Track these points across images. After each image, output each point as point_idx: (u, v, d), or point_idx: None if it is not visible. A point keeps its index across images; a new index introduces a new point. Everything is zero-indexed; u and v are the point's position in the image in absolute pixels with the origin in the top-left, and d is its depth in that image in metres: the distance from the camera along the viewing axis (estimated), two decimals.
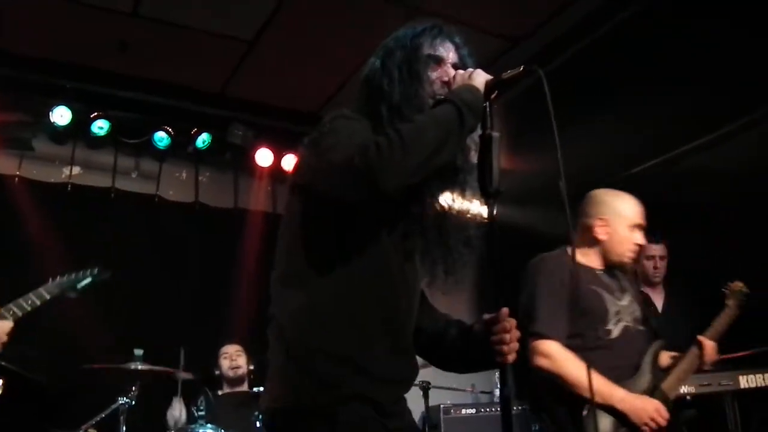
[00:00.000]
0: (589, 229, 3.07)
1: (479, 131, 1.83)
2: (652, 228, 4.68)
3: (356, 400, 1.73)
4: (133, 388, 3.98)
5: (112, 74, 5.34)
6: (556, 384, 2.77)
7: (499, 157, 1.78)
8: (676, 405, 2.97)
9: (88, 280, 3.76)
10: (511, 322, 1.80)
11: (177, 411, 4.35)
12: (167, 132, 5.62)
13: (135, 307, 5.04)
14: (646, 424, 2.73)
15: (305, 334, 1.77)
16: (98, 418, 3.90)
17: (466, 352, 1.95)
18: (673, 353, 3.20)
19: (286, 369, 1.77)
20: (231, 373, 4.77)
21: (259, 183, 6.21)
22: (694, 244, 5.13)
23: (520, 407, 5.55)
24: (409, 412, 1.95)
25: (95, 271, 3.85)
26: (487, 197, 1.79)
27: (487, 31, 5.02)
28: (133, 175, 5.79)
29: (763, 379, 3.77)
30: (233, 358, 4.84)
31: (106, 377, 4.08)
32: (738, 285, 3.37)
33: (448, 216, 1.98)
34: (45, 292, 3.40)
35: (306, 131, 6.40)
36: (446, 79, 1.94)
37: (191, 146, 5.80)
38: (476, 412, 5.70)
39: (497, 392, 6.36)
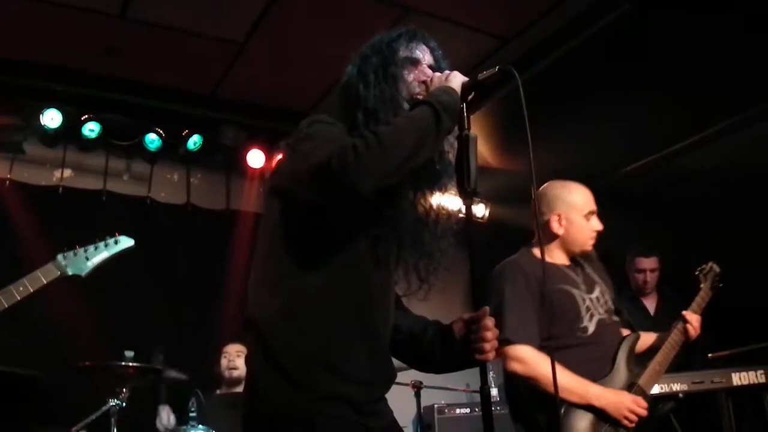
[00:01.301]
0: (547, 226, 3.09)
1: (456, 132, 1.85)
2: (640, 232, 4.71)
3: (333, 400, 1.74)
4: (124, 389, 3.95)
5: (103, 77, 5.33)
6: (532, 388, 2.77)
7: (476, 157, 1.80)
8: (655, 398, 3.01)
9: (103, 255, 3.40)
10: (491, 321, 1.83)
11: (165, 418, 4.34)
12: (158, 134, 5.62)
13: (126, 309, 5.03)
14: (625, 417, 2.75)
15: (281, 337, 1.77)
16: (88, 420, 3.87)
17: (445, 351, 1.96)
18: (652, 335, 3.23)
19: (263, 373, 1.78)
20: (227, 374, 4.77)
21: (250, 184, 6.21)
22: (682, 242, 5.15)
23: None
24: (390, 412, 1.96)
25: (114, 239, 3.47)
26: (464, 197, 1.82)
27: (478, 30, 5.02)
28: (125, 178, 5.79)
29: (756, 376, 3.79)
30: (231, 359, 4.83)
31: (96, 378, 4.04)
32: (710, 265, 3.45)
33: (425, 221, 1.99)
34: (42, 276, 3.16)
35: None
36: (423, 79, 1.96)
37: (182, 148, 5.79)
38: (470, 412, 5.70)
39: (493, 391, 6.36)
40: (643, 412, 2.78)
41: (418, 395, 5.36)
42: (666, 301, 5.05)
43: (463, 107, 1.85)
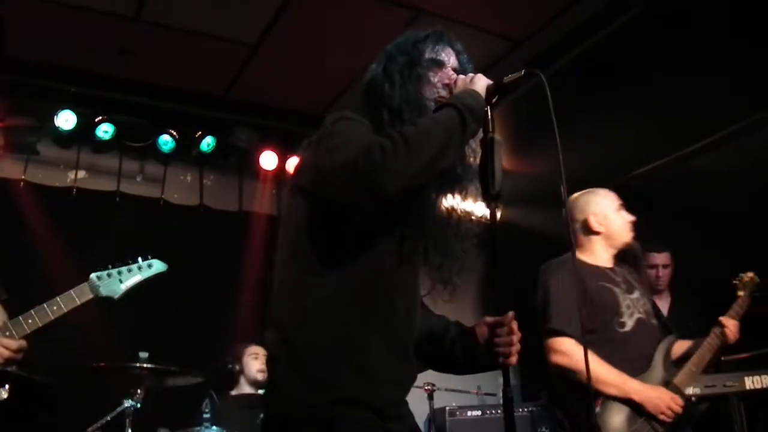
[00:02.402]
0: (586, 228, 3.23)
1: (480, 135, 1.86)
2: (654, 234, 4.69)
3: (355, 403, 1.73)
4: (139, 390, 3.97)
5: (116, 78, 5.37)
6: (573, 380, 2.86)
7: (500, 160, 1.80)
8: (689, 399, 3.03)
9: (137, 278, 3.33)
10: (516, 325, 1.86)
11: None
12: (172, 135, 5.63)
13: (140, 310, 5.02)
14: (662, 413, 2.82)
15: (304, 337, 1.77)
16: (103, 422, 3.88)
17: (467, 353, 1.97)
18: (688, 341, 3.25)
19: (284, 373, 1.77)
20: (260, 376, 4.74)
21: (263, 186, 6.21)
22: (697, 245, 5.12)
23: (526, 409, 5.55)
24: (412, 416, 1.96)
25: (148, 262, 3.38)
26: (488, 199, 1.82)
27: (490, 32, 5.03)
28: (138, 179, 5.80)
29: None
30: (263, 360, 4.79)
31: (110, 379, 4.06)
32: (749, 275, 3.44)
33: (450, 222, 2.00)
34: (76, 297, 3.07)
35: (311, 134, 6.38)
36: (448, 81, 1.96)
37: (195, 149, 5.81)
38: (482, 414, 5.68)
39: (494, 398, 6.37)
40: (680, 410, 2.85)
41: (431, 397, 5.35)
42: (679, 302, 5.01)
43: (487, 110, 1.86)
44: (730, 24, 4.32)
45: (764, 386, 3.71)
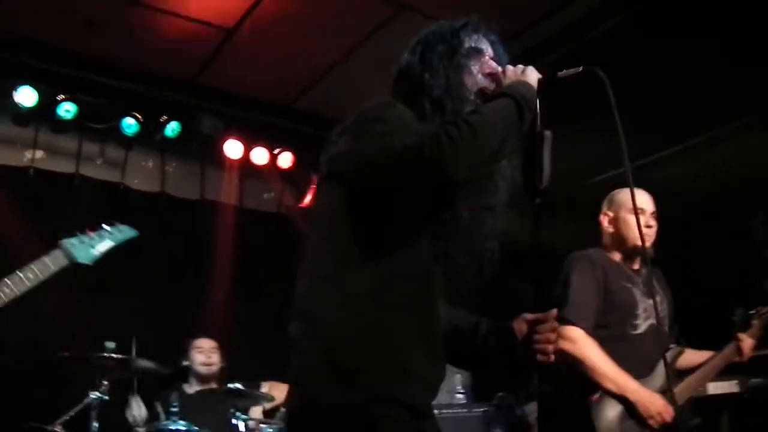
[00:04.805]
0: (600, 226, 3.24)
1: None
2: None
3: (392, 401, 1.66)
4: (105, 382, 3.82)
5: (81, 55, 5.13)
6: (575, 369, 2.89)
7: (549, 156, 1.80)
8: (682, 412, 3.06)
9: (108, 244, 3.25)
10: (556, 324, 1.84)
11: (135, 410, 4.21)
12: (136, 119, 5.42)
13: (99, 299, 4.84)
14: (652, 418, 2.83)
15: (338, 332, 1.68)
16: (68, 416, 3.71)
17: (503, 350, 1.92)
18: (699, 352, 3.30)
19: (314, 368, 1.68)
20: (204, 370, 4.64)
21: (226, 175, 6.06)
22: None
23: (479, 410, 5.59)
24: (434, 416, 1.92)
25: (117, 227, 3.34)
26: (534, 195, 1.80)
27: None
28: (98, 162, 5.57)
29: (731, 386, 3.91)
30: (208, 355, 4.70)
31: (76, 370, 3.91)
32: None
33: (475, 223, 1.94)
34: (50, 263, 2.98)
35: (278, 124, 6.29)
36: (489, 71, 1.93)
37: (159, 134, 5.61)
38: (438, 414, 5.68)
39: (458, 396, 6.40)
40: (669, 419, 2.86)
41: None
42: None
43: (537, 104, 1.82)
44: (691, 42, 4.44)
45: (726, 392, 3.88)
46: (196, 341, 4.77)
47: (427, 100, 1.85)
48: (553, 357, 1.81)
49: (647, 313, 3.04)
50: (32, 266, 2.90)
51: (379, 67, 6.16)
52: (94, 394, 3.75)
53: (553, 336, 1.81)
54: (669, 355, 3.10)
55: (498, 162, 1.75)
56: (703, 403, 3.84)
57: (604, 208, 3.26)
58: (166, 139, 5.65)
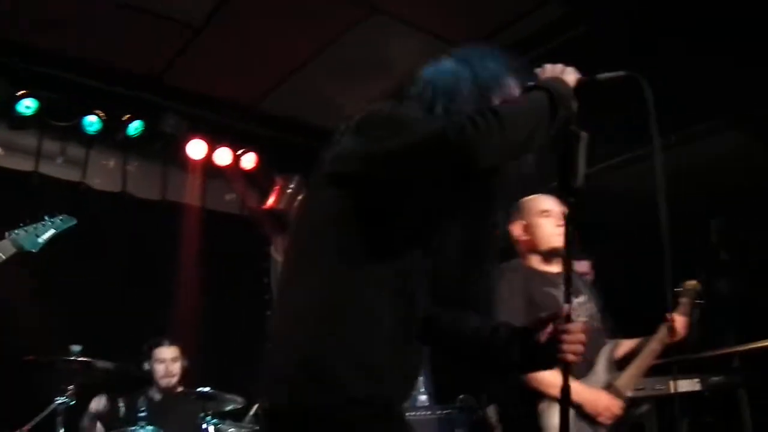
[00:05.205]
0: (513, 236, 3.21)
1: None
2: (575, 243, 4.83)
3: (367, 403, 1.65)
4: (71, 386, 3.73)
5: (43, 51, 4.99)
6: (515, 381, 2.89)
7: (584, 156, 1.81)
8: (629, 401, 3.11)
9: (51, 232, 3.55)
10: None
11: (95, 404, 4.14)
12: (98, 116, 5.30)
13: (62, 301, 4.72)
14: (601, 414, 2.87)
15: (319, 333, 1.68)
16: (34, 423, 3.61)
17: (527, 353, 1.92)
18: (632, 340, 3.36)
19: (297, 368, 1.67)
20: (164, 382, 4.52)
21: (189, 176, 5.97)
22: (607, 260, 5.36)
23: (443, 412, 5.62)
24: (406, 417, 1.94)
25: (58, 218, 3.63)
26: (568, 194, 1.82)
27: (438, 36, 5.05)
28: (59, 161, 5.44)
29: (692, 384, 4.01)
30: (168, 366, 4.57)
31: (41, 374, 3.81)
32: (691, 283, 3.56)
33: (476, 239, 1.95)
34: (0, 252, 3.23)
35: (242, 125, 6.17)
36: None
37: (121, 133, 5.48)
38: None
39: (420, 398, 6.42)
40: (619, 411, 2.91)
41: None
42: None
43: (573, 103, 1.81)
44: (653, 47, 4.54)
45: (688, 390, 3.99)
46: (157, 351, 4.63)
47: (443, 110, 1.83)
48: (575, 356, 1.83)
49: (576, 314, 3.00)
50: None
51: (347, 70, 6.19)
52: (60, 399, 3.65)
53: (582, 336, 1.83)
54: (606, 348, 3.11)
55: (526, 153, 1.74)
56: (664, 402, 3.98)
57: (514, 218, 3.22)
58: (128, 138, 5.52)
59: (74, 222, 3.74)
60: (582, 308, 3.10)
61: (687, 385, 4.01)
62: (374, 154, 1.71)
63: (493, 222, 1.94)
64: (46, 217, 3.61)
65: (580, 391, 2.85)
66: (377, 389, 1.68)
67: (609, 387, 3.01)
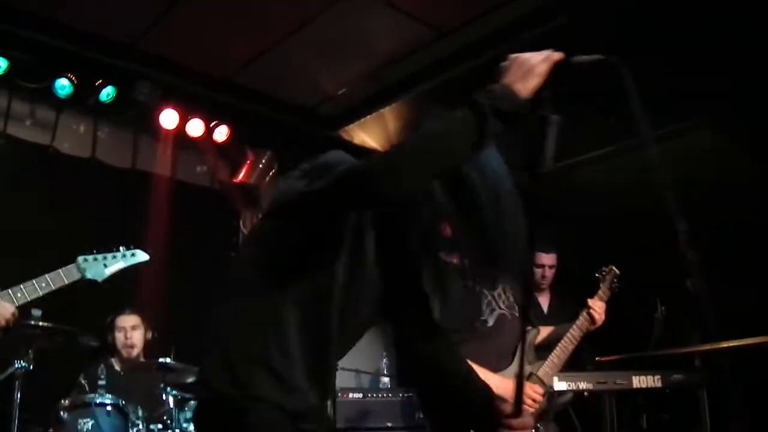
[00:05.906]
0: None
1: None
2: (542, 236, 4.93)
3: (266, 402, 1.77)
4: (30, 351, 3.70)
5: (15, 9, 4.85)
6: None
7: (553, 142, 1.78)
8: (552, 390, 3.20)
9: (120, 265, 3.53)
10: None
11: None
12: (70, 80, 5.20)
13: (24, 263, 4.64)
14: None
15: (238, 343, 1.83)
16: None
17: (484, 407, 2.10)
18: (550, 327, 3.43)
19: (218, 371, 1.82)
20: (124, 352, 4.53)
21: (160, 145, 5.92)
22: (577, 248, 5.42)
23: (406, 395, 5.67)
24: (329, 418, 2.00)
25: (131, 251, 3.62)
26: (533, 178, 1.80)
27: (417, 19, 5.04)
28: (28, 123, 5.34)
29: (654, 380, 4.09)
30: (128, 335, 4.58)
31: None
32: (610, 268, 3.77)
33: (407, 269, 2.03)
34: (64, 276, 3.27)
35: (216, 97, 6.07)
36: None
37: (93, 98, 5.39)
38: (363, 397, 5.74)
39: (384, 380, 6.49)
40: (539, 398, 3.00)
41: None
42: (559, 299, 5.29)
43: (545, 86, 1.74)
44: (632, 44, 4.58)
45: (649, 385, 4.06)
46: (118, 319, 4.65)
47: None
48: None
49: (492, 306, 3.11)
50: (47, 277, 3.22)
51: (325, 48, 6.14)
52: (18, 363, 3.63)
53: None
54: (527, 338, 3.18)
55: (441, 176, 1.77)
56: (625, 397, 4.05)
57: None
58: (100, 104, 5.44)
59: (147, 258, 3.70)
60: (499, 299, 3.14)
61: (648, 382, 4.09)
62: (305, 193, 1.85)
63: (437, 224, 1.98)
64: (122, 248, 3.61)
65: (498, 383, 2.82)
66: (278, 396, 1.78)
67: (530, 376, 3.11)
